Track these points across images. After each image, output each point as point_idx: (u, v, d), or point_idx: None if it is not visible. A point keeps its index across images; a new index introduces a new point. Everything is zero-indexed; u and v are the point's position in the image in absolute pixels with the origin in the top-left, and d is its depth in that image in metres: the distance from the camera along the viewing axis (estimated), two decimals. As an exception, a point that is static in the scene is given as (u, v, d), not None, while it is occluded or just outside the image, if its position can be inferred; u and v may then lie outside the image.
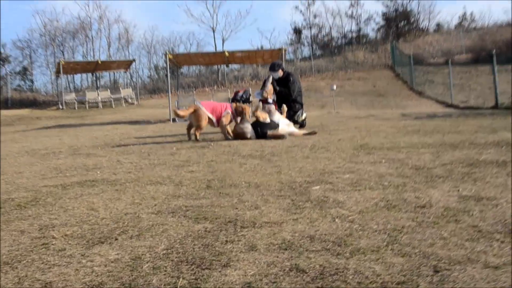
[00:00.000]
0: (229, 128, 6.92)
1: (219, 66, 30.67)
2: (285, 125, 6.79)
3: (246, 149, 5.24)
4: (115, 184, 3.47)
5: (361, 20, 38.11)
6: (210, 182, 3.36)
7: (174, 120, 12.88)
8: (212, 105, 7.10)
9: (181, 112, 7.25)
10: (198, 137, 6.99)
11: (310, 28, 37.89)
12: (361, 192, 2.86)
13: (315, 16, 38.53)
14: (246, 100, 7.88)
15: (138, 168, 4.18)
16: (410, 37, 33.78)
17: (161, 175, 3.74)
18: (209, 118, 6.95)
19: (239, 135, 6.55)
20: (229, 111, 6.94)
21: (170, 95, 14.58)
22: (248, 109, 6.92)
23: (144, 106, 22.10)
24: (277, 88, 7.77)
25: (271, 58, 15.45)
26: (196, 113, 6.95)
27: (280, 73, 7.93)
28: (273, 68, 7.96)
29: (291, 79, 7.84)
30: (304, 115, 8.01)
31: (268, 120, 6.64)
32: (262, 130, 6.42)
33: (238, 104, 6.99)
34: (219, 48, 37.28)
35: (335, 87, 16.75)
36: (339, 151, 4.63)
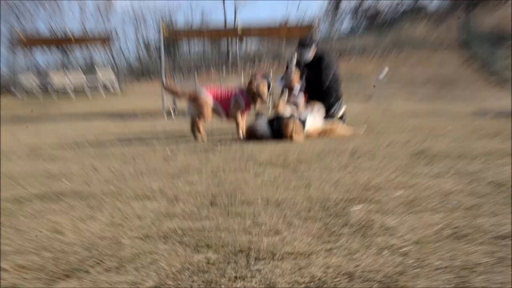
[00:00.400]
0: (243, 124, 6.97)
1: (229, 41, 30.78)
2: (318, 123, 6.80)
3: (264, 154, 5.24)
4: (88, 198, 3.50)
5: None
6: (215, 197, 3.37)
7: (170, 114, 12.97)
8: (217, 90, 7.16)
9: (174, 86, 7.34)
10: (202, 133, 7.05)
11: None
12: (418, 215, 2.82)
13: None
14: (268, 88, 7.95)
15: (120, 178, 4.22)
16: (489, 6, 33.38)
17: (151, 187, 3.76)
18: (214, 108, 7.02)
19: (251, 134, 6.60)
20: (241, 98, 7.00)
21: (163, 78, 14.70)
22: (265, 89, 6.98)
23: (129, 94, 22.36)
24: (309, 75, 7.76)
25: (300, 35, 15.44)
26: (196, 100, 7.02)
27: (311, 52, 7.87)
28: (303, 44, 7.87)
29: (326, 61, 7.78)
30: (343, 109, 7.97)
31: (287, 113, 6.66)
32: (278, 126, 6.45)
33: (251, 82, 7.06)
34: (230, 18, 37.49)
35: (385, 72, 16.67)
36: (389, 159, 4.59)
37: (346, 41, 31.24)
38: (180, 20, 37.45)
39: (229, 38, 29.77)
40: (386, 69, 16.64)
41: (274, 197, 3.31)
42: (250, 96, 7.03)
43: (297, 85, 7.63)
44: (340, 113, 7.90)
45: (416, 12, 36.11)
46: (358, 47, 29.42)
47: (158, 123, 10.86)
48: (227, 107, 7.08)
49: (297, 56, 7.74)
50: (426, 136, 6.29)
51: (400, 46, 29.39)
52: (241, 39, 17.53)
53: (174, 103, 14.17)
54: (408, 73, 23.54)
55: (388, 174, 3.93)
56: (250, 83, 7.06)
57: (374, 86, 16.53)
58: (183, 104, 7.81)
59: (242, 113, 7.05)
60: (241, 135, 6.89)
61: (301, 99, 7.36)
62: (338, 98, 7.93)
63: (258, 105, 7.11)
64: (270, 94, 9.42)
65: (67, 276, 2.17)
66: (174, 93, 7.34)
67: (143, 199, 3.40)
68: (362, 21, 38.66)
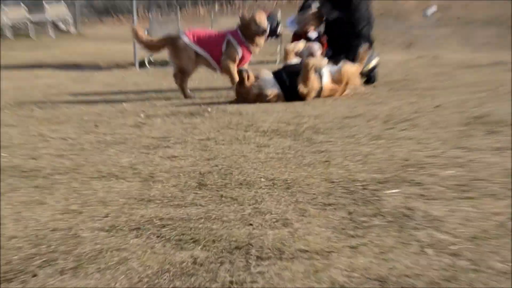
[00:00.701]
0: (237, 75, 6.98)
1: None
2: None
3: (269, 120, 5.24)
4: (35, 176, 3.51)
5: None
6: (204, 177, 3.38)
7: (142, 64, 12.91)
8: (203, 34, 7.18)
9: (143, 36, 7.34)
10: (185, 90, 7.13)
11: None
12: (475, 202, 2.83)
13: None
14: (273, 33, 7.95)
15: (78, 150, 4.23)
16: None
17: (118, 162, 3.77)
18: (199, 56, 7.06)
19: (252, 98, 6.56)
20: (235, 40, 7.02)
21: (135, 18, 14.61)
22: (264, 20, 7.05)
23: (89, 37, 22.24)
24: (332, 14, 7.70)
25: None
26: (174, 47, 7.06)
27: None
28: None
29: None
30: (375, 61, 7.93)
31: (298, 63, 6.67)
32: (291, 82, 6.43)
33: (244, 17, 7.12)
34: None
35: (433, 10, 16.52)
36: (436, 128, 4.58)
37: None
38: None
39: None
40: (433, 8, 16.48)
41: (282, 177, 3.32)
42: (247, 36, 7.06)
43: (313, 32, 7.64)
44: (372, 65, 7.86)
45: None
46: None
47: (128, 75, 10.80)
48: (218, 54, 7.09)
49: None
50: (486, 97, 6.26)
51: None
52: None
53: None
54: (463, 11, 23.32)
55: (434, 147, 3.93)
56: (244, 17, 7.11)
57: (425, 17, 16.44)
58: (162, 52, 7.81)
59: (239, 61, 7.06)
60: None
61: (317, 47, 7.33)
62: (370, 46, 7.87)
63: (258, 46, 7.15)
64: (278, 38, 9.38)
65: (9, 280, 2.19)
66: (145, 46, 7.38)
67: (108, 179, 3.42)
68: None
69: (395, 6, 24.60)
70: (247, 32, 7.07)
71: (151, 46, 7.35)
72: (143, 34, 7.44)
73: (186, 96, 7.12)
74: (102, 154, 4.05)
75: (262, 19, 7.07)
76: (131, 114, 5.89)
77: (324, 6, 7.77)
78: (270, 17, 8.05)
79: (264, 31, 7.07)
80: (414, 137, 4.26)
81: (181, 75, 7.14)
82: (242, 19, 7.15)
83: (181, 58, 7.07)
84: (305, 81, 6.40)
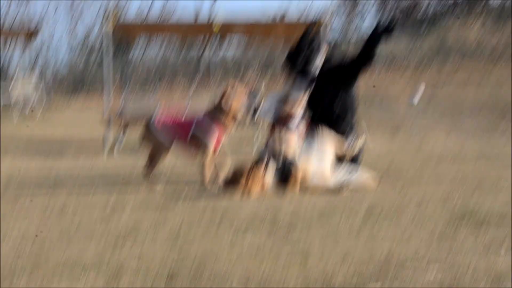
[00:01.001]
0: (210, 166, 7.00)
1: (203, 41, 30.71)
2: (326, 168, 6.87)
3: (244, 212, 5.28)
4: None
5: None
6: (174, 274, 3.41)
7: (111, 152, 12.96)
8: (173, 118, 7.22)
9: (114, 118, 7.40)
10: (149, 176, 7.13)
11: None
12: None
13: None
14: (253, 113, 7.96)
15: (37, 244, 4.23)
16: None
17: (82, 257, 3.78)
18: (168, 144, 7.08)
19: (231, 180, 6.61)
20: (206, 123, 7.04)
21: (108, 97, 14.65)
22: (239, 104, 7.05)
23: (54, 120, 22.29)
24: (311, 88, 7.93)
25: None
26: (145, 133, 7.10)
27: (321, 57, 8.02)
28: (307, 44, 8.05)
29: (345, 69, 7.95)
30: (360, 142, 7.95)
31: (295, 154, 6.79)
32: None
33: (222, 96, 7.17)
34: (205, 12, 37.70)
35: (420, 93, 16.80)
36: (419, 223, 4.65)
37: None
38: (133, 11, 37.64)
39: (202, 38, 29.74)
40: (421, 88, 16.74)
41: (257, 275, 3.35)
42: (221, 118, 6.98)
43: (294, 116, 7.72)
44: (357, 149, 7.90)
45: (469, 7, 36.64)
46: (385, 55, 29.66)
47: (98, 161, 10.81)
48: (187, 139, 7.05)
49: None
50: (473, 191, 6.32)
51: (444, 55, 29.70)
52: (221, 37, 17.45)
53: (123, 132, 14.11)
54: (453, 95, 23.63)
55: (417, 244, 3.99)
56: (221, 97, 7.06)
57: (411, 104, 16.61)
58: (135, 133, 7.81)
59: (210, 147, 6.99)
60: (207, 182, 6.86)
61: (294, 137, 7.41)
62: (352, 127, 7.94)
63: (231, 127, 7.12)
64: (254, 118, 9.36)
65: None
66: (120, 124, 7.44)
67: (70, 276, 3.43)
68: (393, 17, 39.19)
69: (380, 87, 25.01)
70: (220, 115, 7.04)
71: (124, 125, 7.37)
72: (115, 115, 7.49)
73: (149, 182, 7.08)
74: (65, 248, 4.05)
75: (237, 106, 7.05)
76: (98, 203, 5.89)
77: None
78: (252, 94, 8.10)
79: (236, 117, 7.02)
80: (396, 233, 4.32)
81: (151, 160, 7.13)
82: (219, 101, 7.11)
83: (149, 146, 7.09)
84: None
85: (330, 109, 7.82)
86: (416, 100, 16.56)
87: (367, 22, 38.96)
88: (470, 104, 22.32)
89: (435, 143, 15.08)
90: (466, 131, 18.57)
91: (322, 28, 13.96)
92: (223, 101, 7.00)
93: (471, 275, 3.35)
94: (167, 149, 7.17)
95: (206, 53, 31.12)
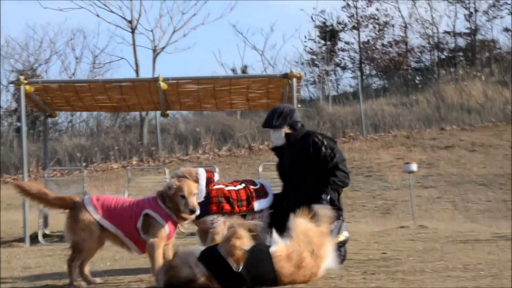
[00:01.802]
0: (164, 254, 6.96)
1: (144, 114, 31.00)
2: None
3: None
4: None
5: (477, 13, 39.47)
6: None
7: (34, 240, 12.80)
8: (114, 204, 7.20)
9: (32, 186, 7.32)
10: (84, 275, 7.06)
11: (357, 25, 39.15)
12: None
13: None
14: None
15: None
16: None
17: None
18: (106, 232, 7.05)
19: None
20: (156, 213, 7.01)
21: (26, 177, 14.59)
22: (192, 189, 7.05)
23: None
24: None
25: (267, 97, 15.69)
26: (73, 216, 7.07)
27: (284, 132, 8.19)
28: (272, 121, 8.23)
29: (324, 146, 8.04)
30: (344, 234, 8.04)
31: (253, 241, 6.72)
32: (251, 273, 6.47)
33: (170, 187, 7.15)
34: (146, 71, 37.92)
35: (415, 166, 16.97)
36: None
37: (346, 108, 31.88)
38: (54, 72, 37.85)
39: (144, 112, 29.92)
40: (414, 165, 16.93)
41: None
42: (171, 206, 7.02)
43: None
44: (341, 238, 7.96)
45: (469, 55, 37.32)
46: (368, 118, 30.01)
47: (16, 255, 10.70)
48: (132, 230, 7.06)
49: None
50: (490, 284, 6.25)
51: (441, 116, 30.14)
52: (163, 112, 17.38)
53: (45, 219, 14.01)
54: (456, 166, 23.98)
55: None
56: (170, 187, 7.09)
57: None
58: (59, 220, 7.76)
59: (163, 238, 7.02)
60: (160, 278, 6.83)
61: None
62: (338, 211, 8.02)
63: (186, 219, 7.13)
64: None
65: None
66: (37, 198, 7.35)
67: None
68: (374, 71, 39.91)
69: (366, 161, 25.27)
70: (171, 207, 7.05)
71: (45, 200, 7.27)
72: (33, 185, 7.44)
73: (73, 284, 6.98)
74: None
75: (191, 193, 7.12)
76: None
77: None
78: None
79: (192, 211, 7.01)
80: None
81: (75, 255, 7.06)
82: (165, 187, 7.12)
83: (78, 233, 7.03)
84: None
85: (301, 190, 7.95)
86: (413, 167, 16.69)
87: (347, 75, 39.79)
88: (479, 177, 22.59)
89: (437, 223, 15.23)
90: (473, 209, 18.77)
91: (292, 83, 14.12)
92: (176, 195, 7.01)
93: None
94: (100, 241, 7.15)
95: (150, 121, 31.49)
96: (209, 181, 7.87)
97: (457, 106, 31.30)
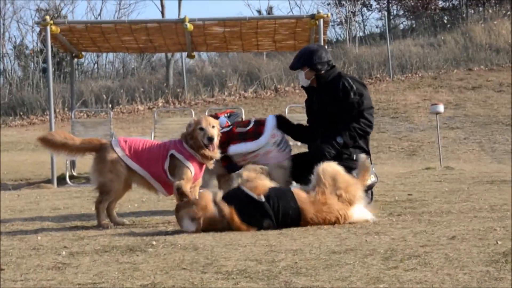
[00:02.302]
0: (194, 194, 7.02)
1: (170, 56, 30.95)
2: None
3: (234, 256, 5.26)
4: None
5: None
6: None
7: (62, 181, 12.89)
8: (141, 146, 7.24)
9: (58, 136, 7.38)
10: (112, 216, 7.16)
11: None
12: None
13: None
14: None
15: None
16: None
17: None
18: (133, 174, 7.10)
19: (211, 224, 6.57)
20: (181, 155, 7.05)
21: (52, 118, 14.65)
22: (213, 130, 7.11)
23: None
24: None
25: (294, 38, 15.66)
26: (100, 158, 7.12)
27: (306, 76, 8.20)
28: (293, 63, 8.27)
29: (353, 92, 8.02)
30: (372, 178, 8.03)
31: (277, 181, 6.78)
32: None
33: (192, 124, 7.23)
34: (172, 13, 37.80)
35: (441, 107, 16.85)
36: (452, 267, 4.64)
37: (373, 49, 31.66)
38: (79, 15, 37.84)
39: (170, 54, 29.89)
40: (441, 106, 16.74)
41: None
42: (195, 146, 7.06)
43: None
44: (368, 182, 7.96)
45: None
46: (395, 58, 29.79)
47: (44, 197, 10.77)
48: (158, 172, 7.12)
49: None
50: None
51: (469, 57, 29.89)
52: (189, 54, 17.37)
53: (72, 161, 14.11)
54: (484, 107, 23.83)
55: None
56: (189, 125, 7.15)
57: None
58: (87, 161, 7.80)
59: (190, 180, 7.07)
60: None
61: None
62: (367, 155, 8.01)
63: (211, 158, 7.20)
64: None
65: None
66: (64, 148, 7.41)
67: None
68: (402, 13, 39.64)
69: (392, 100, 25.13)
70: (192, 144, 7.10)
71: (72, 147, 7.33)
72: (57, 133, 7.49)
73: (101, 224, 7.11)
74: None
75: (209, 124, 7.10)
76: (48, 251, 5.84)
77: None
78: (234, 116, 8.22)
79: (210, 140, 7.05)
80: (424, 280, 4.29)
81: (102, 197, 7.14)
82: (188, 126, 7.19)
83: (105, 174, 7.09)
84: None
85: (330, 131, 7.94)
86: (440, 108, 16.54)
87: (373, 16, 39.55)
88: (501, 119, 22.46)
89: (463, 164, 15.17)
90: (499, 149, 18.69)
91: (320, 24, 14.00)
92: (194, 129, 7.06)
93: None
94: (127, 183, 7.22)
95: (176, 63, 31.42)
96: None
97: (485, 46, 31.05)
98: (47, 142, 7.35)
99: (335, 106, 7.99)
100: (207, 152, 7.11)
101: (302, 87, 8.54)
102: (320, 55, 8.20)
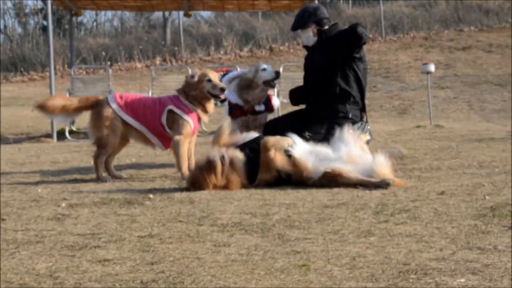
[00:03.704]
0: (190, 152, 7.04)
1: (167, 15, 30.84)
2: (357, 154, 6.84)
3: (229, 210, 5.28)
4: None
5: None
6: (148, 281, 3.38)
7: (61, 135, 12.89)
8: (137, 101, 7.26)
9: (52, 102, 7.43)
10: (109, 170, 7.20)
11: None
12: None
13: None
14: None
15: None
16: None
17: (34, 268, 3.74)
18: (130, 129, 7.12)
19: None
20: (179, 109, 7.06)
21: (52, 74, 14.61)
22: (216, 78, 7.15)
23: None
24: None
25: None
26: (96, 113, 7.15)
27: (313, 33, 8.12)
28: (298, 22, 8.20)
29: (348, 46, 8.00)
30: (367, 136, 8.02)
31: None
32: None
33: (192, 76, 7.28)
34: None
35: (432, 67, 16.83)
36: (441, 221, 4.66)
37: (366, 10, 31.52)
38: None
39: (166, 12, 29.79)
40: (431, 66, 16.69)
41: (249, 283, 3.32)
42: (193, 100, 7.09)
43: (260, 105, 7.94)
44: (366, 138, 7.95)
45: None
46: (387, 20, 29.71)
47: (44, 150, 10.78)
48: (155, 127, 7.13)
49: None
50: (503, 181, 6.39)
51: (459, 18, 29.78)
52: (186, 12, 17.32)
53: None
54: (472, 67, 23.80)
55: (440, 247, 3.98)
56: (192, 76, 7.17)
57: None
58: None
59: (189, 135, 7.09)
60: (185, 174, 6.92)
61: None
62: (361, 113, 8.01)
63: (208, 111, 7.23)
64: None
65: None
66: (50, 112, 7.43)
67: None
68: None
69: (384, 60, 25.07)
70: (196, 95, 7.10)
71: (71, 108, 7.37)
72: (55, 98, 7.53)
73: (99, 178, 7.14)
74: (11, 258, 4.00)
75: (215, 77, 7.14)
76: (48, 202, 5.86)
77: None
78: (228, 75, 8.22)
79: (223, 90, 7.09)
80: (414, 233, 4.32)
81: (99, 151, 7.17)
82: (188, 77, 7.21)
83: (102, 129, 7.10)
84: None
85: (330, 87, 7.88)
86: (431, 68, 16.49)
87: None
88: (495, 77, 22.43)
89: (452, 123, 15.18)
90: (488, 108, 18.69)
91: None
92: (202, 81, 7.08)
93: (505, 279, 3.34)
94: (124, 137, 7.24)
95: (173, 20, 31.35)
96: None
97: (475, 7, 30.90)
98: (46, 109, 7.36)
99: (342, 56, 7.88)
100: (210, 104, 7.16)
101: (305, 47, 8.45)
102: (323, 11, 8.17)
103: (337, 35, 7.97)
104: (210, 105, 7.24)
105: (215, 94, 7.11)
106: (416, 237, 4.20)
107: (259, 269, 3.61)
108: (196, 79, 7.13)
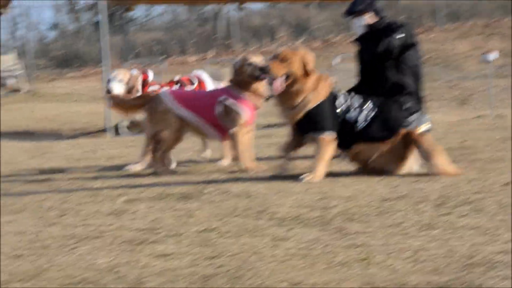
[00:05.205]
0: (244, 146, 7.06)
1: (219, 8, 30.83)
2: None
3: (287, 203, 5.27)
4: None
5: None
6: (207, 281, 3.38)
7: (117, 131, 12.98)
8: (189, 93, 7.31)
9: (120, 101, 7.52)
10: (166, 164, 7.23)
11: None
12: None
13: None
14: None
15: (39, 247, 4.22)
16: None
17: (94, 263, 3.78)
18: (185, 122, 7.14)
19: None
20: (231, 100, 7.07)
21: (107, 71, 14.69)
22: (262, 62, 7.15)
23: (45, 95, 22.39)
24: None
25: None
26: (150, 108, 7.19)
27: (367, 21, 8.01)
28: (354, 7, 8.06)
29: (403, 36, 7.88)
30: (426, 125, 7.92)
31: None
32: None
33: (236, 66, 7.27)
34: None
35: (494, 55, 16.56)
36: (506, 213, 4.60)
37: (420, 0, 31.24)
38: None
39: (219, 3, 29.81)
40: (495, 53, 16.43)
41: (308, 282, 3.31)
42: (244, 87, 7.08)
43: None
44: (422, 129, 7.86)
45: None
46: (444, 8, 29.41)
47: (100, 146, 10.85)
48: (211, 119, 7.13)
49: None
50: None
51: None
52: (240, 3, 17.38)
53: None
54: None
55: (505, 239, 3.94)
56: (235, 64, 7.20)
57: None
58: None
59: (243, 125, 7.07)
60: (247, 166, 6.92)
61: None
62: (418, 104, 7.91)
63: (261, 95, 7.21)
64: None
65: None
66: (120, 108, 7.54)
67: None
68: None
69: (441, 49, 24.82)
70: (241, 81, 7.09)
71: (127, 107, 7.47)
72: (118, 97, 7.62)
73: (156, 172, 7.17)
74: (72, 253, 4.04)
75: (258, 58, 7.11)
76: (106, 198, 5.91)
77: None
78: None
79: (263, 70, 7.01)
80: (478, 226, 4.28)
81: (155, 146, 7.20)
82: (233, 65, 7.23)
83: (157, 124, 7.14)
84: None
85: (382, 79, 7.80)
86: (490, 57, 16.24)
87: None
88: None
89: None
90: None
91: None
92: (242, 65, 7.07)
93: None
94: (180, 131, 7.26)
95: (225, 14, 31.33)
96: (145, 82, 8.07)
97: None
98: (120, 106, 7.52)
99: (387, 53, 7.81)
100: (259, 88, 7.12)
101: (356, 39, 8.32)
102: (378, 0, 8.07)
103: (385, 29, 7.89)
104: (260, 89, 7.18)
105: (257, 75, 7.07)
106: (481, 230, 4.16)
107: (319, 263, 3.61)
108: (239, 64, 7.13)
